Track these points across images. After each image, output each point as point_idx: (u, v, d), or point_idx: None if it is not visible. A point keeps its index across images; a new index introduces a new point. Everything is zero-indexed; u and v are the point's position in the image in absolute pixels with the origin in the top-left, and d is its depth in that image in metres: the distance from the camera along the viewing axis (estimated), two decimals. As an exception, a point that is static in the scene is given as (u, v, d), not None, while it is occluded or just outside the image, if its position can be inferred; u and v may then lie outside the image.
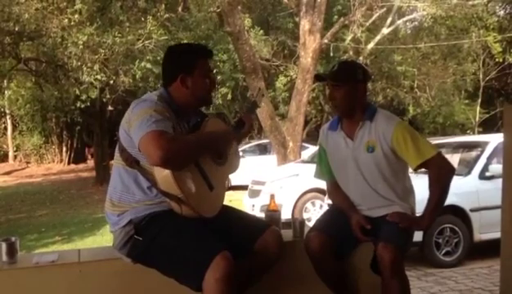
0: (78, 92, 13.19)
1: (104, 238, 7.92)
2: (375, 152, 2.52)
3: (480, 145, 6.62)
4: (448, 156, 7.06)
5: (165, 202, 2.13)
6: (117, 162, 2.22)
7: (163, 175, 2.03)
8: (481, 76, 19.38)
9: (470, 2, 14.75)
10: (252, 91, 11.22)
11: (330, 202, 2.91)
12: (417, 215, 2.59)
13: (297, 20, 13.75)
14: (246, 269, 2.20)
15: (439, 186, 2.48)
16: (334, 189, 2.73)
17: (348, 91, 2.54)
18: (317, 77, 2.98)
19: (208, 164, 2.19)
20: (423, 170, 2.55)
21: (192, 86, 2.22)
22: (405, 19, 16.95)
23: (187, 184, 2.06)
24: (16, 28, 11.59)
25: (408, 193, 2.62)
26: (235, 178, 13.74)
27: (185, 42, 14.42)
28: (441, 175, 2.48)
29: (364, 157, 2.54)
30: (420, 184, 2.60)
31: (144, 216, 2.14)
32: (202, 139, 2.18)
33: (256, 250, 2.27)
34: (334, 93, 2.58)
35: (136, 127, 2.03)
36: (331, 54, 15.34)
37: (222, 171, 2.33)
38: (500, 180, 3.43)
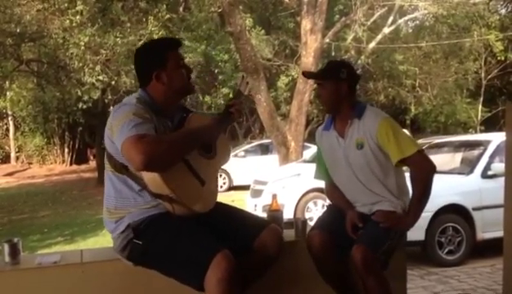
0: (79, 93, 13.21)
1: (106, 239, 7.88)
2: (363, 149, 2.54)
3: (482, 144, 6.61)
4: (450, 155, 7.11)
5: (162, 205, 2.12)
6: (107, 169, 2.20)
7: (151, 177, 2.01)
8: (483, 74, 19.36)
9: (472, 1, 14.73)
10: (251, 90, 11.22)
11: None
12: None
13: (298, 19, 13.74)
14: (246, 268, 2.19)
15: (420, 184, 2.50)
16: (332, 189, 2.75)
17: (330, 90, 2.60)
18: (304, 74, 3.37)
19: (196, 160, 2.16)
20: None
21: (168, 80, 2.18)
22: (406, 18, 16.93)
23: (177, 183, 2.04)
24: (18, 30, 11.61)
25: (401, 189, 2.62)
26: (237, 178, 13.81)
27: (186, 42, 14.50)
28: (421, 173, 2.51)
29: (354, 154, 2.57)
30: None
31: (142, 220, 2.13)
32: (184, 136, 2.13)
33: (255, 248, 2.25)
34: (319, 91, 2.69)
35: (117, 133, 2.00)
36: (333, 53, 15.33)
37: (213, 164, 2.30)
38: (502, 179, 3.43)
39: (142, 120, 2.01)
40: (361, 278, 2.37)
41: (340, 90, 2.59)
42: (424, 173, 2.50)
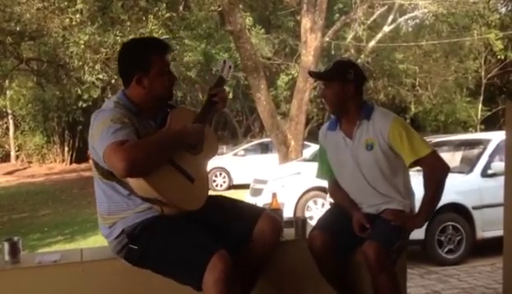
0: (79, 92, 13.22)
1: (106, 238, 7.90)
2: (373, 149, 2.53)
3: (482, 143, 6.61)
4: (450, 154, 7.10)
5: (154, 208, 2.10)
6: (95, 177, 2.19)
7: (136, 182, 1.98)
8: (483, 73, 19.37)
9: (472, 0, 14.72)
10: (252, 89, 11.22)
11: (331, 200, 2.91)
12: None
13: (298, 18, 13.75)
14: (245, 266, 2.18)
15: (433, 185, 2.50)
16: (336, 189, 2.74)
17: (336, 90, 2.58)
18: (310, 74, 3.23)
19: (182, 157, 2.10)
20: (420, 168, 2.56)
21: (149, 86, 2.12)
22: (406, 17, 16.95)
23: (164, 184, 1.99)
24: (18, 28, 11.62)
25: (408, 189, 2.63)
26: (236, 177, 13.81)
27: (185, 40, 14.48)
28: (434, 174, 2.50)
29: (363, 155, 2.56)
30: (419, 183, 2.59)
31: (136, 225, 2.11)
32: (165, 138, 2.08)
33: (254, 239, 2.22)
34: (325, 91, 2.65)
35: (98, 141, 1.98)
36: (333, 52, 15.34)
37: (201, 160, 2.24)
38: (502, 178, 3.43)
39: (121, 125, 1.97)
40: (372, 274, 2.35)
41: (346, 91, 2.57)
42: (438, 174, 2.50)
